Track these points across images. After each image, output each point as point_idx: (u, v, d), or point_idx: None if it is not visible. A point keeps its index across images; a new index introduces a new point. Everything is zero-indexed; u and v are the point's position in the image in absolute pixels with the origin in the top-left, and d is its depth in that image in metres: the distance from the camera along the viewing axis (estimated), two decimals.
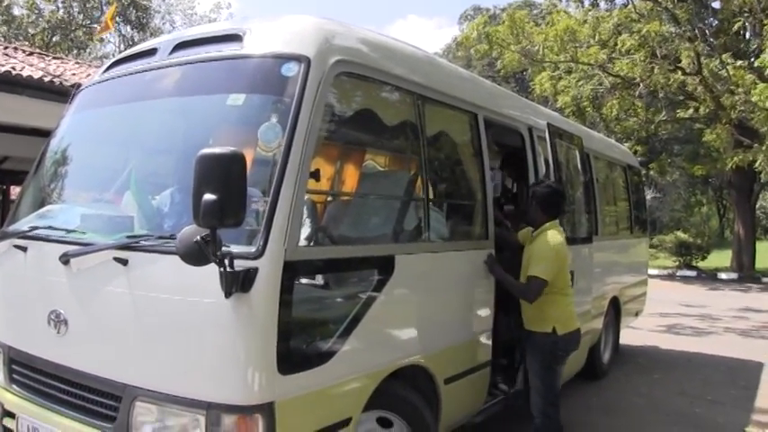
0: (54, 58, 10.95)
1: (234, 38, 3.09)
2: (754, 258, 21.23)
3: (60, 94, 7.83)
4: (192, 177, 2.31)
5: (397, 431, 3.30)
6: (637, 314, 8.04)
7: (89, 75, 9.82)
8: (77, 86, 4.11)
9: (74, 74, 9.36)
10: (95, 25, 24.44)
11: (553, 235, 4.00)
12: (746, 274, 19.60)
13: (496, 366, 4.30)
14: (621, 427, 4.92)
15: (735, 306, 12.96)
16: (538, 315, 3.99)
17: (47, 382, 3.07)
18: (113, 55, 26.23)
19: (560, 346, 4.01)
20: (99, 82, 3.70)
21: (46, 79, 8.13)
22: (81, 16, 24.96)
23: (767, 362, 7.98)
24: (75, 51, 24.49)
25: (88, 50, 26.09)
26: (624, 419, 4.69)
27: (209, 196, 2.24)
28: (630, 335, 7.55)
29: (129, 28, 26.28)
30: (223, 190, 2.25)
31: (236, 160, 2.30)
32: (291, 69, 2.84)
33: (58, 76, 8.55)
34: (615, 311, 6.97)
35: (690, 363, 7.30)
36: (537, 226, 4.09)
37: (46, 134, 3.92)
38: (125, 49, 25.16)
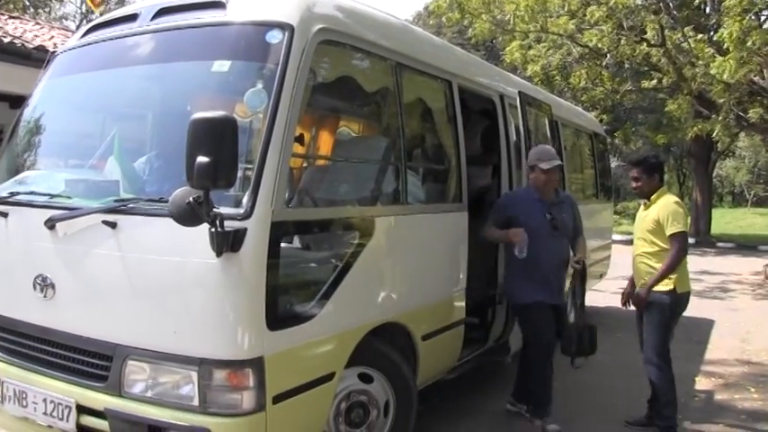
0: (11, 17, 10.52)
1: (217, 4, 3.11)
2: (710, 224, 21.96)
3: (22, 56, 7.62)
4: (185, 140, 2.38)
5: (377, 386, 3.45)
6: (601, 276, 8.31)
7: (52, 37, 9.56)
8: (52, 52, 4.07)
9: (36, 35, 9.09)
10: None
11: (672, 196, 4.35)
12: (703, 239, 20.26)
13: (470, 324, 4.48)
14: (589, 381, 5.20)
15: (691, 269, 13.30)
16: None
17: (34, 345, 3.09)
18: (74, 16, 25.41)
19: (680, 303, 4.23)
20: (77, 47, 3.68)
21: (5, 40, 7.79)
22: None
23: (718, 319, 8.48)
24: (31, 11, 23.55)
25: (48, 10, 25.16)
26: (591, 375, 4.96)
27: (202, 159, 2.31)
28: (595, 297, 7.84)
29: None
30: (215, 153, 2.33)
31: (228, 124, 2.38)
32: (275, 37, 2.90)
33: (19, 37, 8.28)
34: (581, 274, 7.19)
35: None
36: (653, 192, 4.31)
37: (7, 98, 3.86)
38: (86, 11, 24.43)
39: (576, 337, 4.49)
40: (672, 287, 4.15)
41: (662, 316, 4.19)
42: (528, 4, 12.40)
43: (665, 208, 4.18)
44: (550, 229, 4.30)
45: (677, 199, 4.35)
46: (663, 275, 4.12)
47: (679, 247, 4.10)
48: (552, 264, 4.34)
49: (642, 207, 4.42)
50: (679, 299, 4.22)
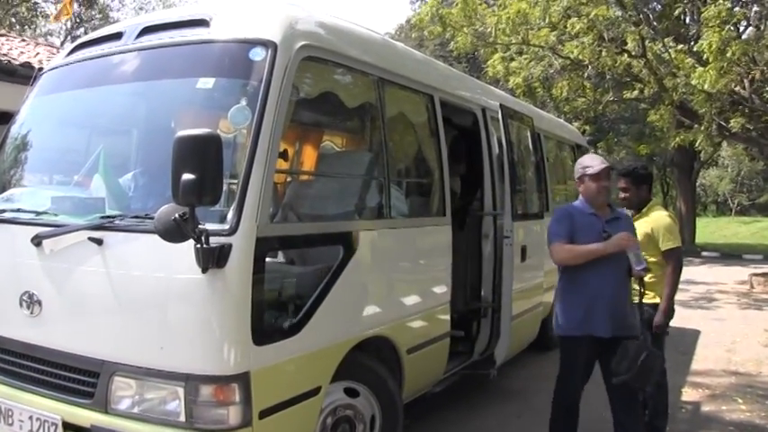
0: None
1: (201, 23, 3.17)
2: (695, 233, 22.17)
3: (7, 72, 7.62)
4: (169, 159, 2.41)
5: (363, 401, 3.47)
6: None
7: (38, 53, 9.56)
8: (39, 69, 4.10)
9: (22, 52, 9.10)
10: (40, 1, 23.58)
11: (664, 210, 4.35)
12: (687, 249, 20.45)
13: (455, 337, 4.51)
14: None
15: None
16: (654, 287, 4.08)
17: (20, 362, 3.09)
18: (59, 32, 25.35)
19: (670, 315, 4.16)
20: (63, 65, 3.71)
21: None
22: None
23: (703, 330, 8.53)
24: (18, 28, 23.52)
25: (34, 27, 25.08)
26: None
27: (187, 176, 2.35)
28: None
29: (76, 5, 25.39)
30: (200, 170, 2.37)
31: (212, 141, 2.42)
32: (259, 54, 2.95)
33: (5, 54, 8.30)
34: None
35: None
36: (642, 203, 4.29)
37: None
38: (72, 27, 24.43)
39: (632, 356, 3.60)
40: (658, 300, 4.15)
41: (650, 328, 4.13)
42: (509, 16, 12.53)
43: (657, 222, 4.16)
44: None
45: (670, 213, 4.35)
46: (670, 296, 4.08)
47: (676, 263, 4.10)
48: (605, 290, 3.63)
49: None
50: (672, 311, 4.20)
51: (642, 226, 4.16)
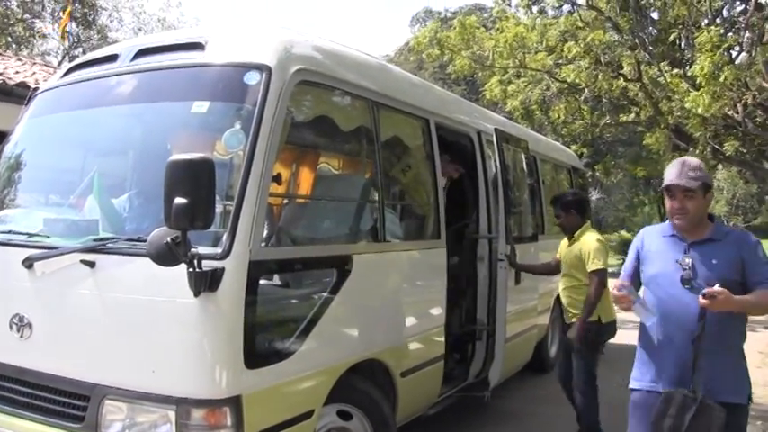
0: None
1: (196, 46, 3.19)
2: None
3: (3, 92, 7.63)
4: (163, 182, 2.42)
5: (356, 423, 3.45)
6: None
7: (34, 73, 9.60)
8: (33, 89, 4.11)
9: (17, 72, 9.14)
10: (36, 20, 23.70)
11: (595, 233, 4.60)
12: None
13: (450, 360, 4.49)
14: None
15: None
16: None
17: (8, 387, 3.05)
18: (56, 52, 25.48)
19: (604, 332, 4.45)
20: (58, 86, 3.73)
21: None
22: (20, 10, 24.14)
23: None
24: (14, 47, 23.65)
25: (31, 46, 25.23)
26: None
27: (179, 200, 2.35)
28: None
29: (74, 25, 25.58)
30: (193, 194, 2.37)
31: (205, 166, 2.43)
32: (253, 78, 2.96)
33: (1, 74, 8.33)
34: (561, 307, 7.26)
35: (631, 355, 7.59)
36: (575, 229, 4.58)
37: None
38: (69, 47, 24.57)
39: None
40: (596, 318, 4.40)
41: (588, 345, 4.41)
42: (506, 40, 12.67)
43: (587, 245, 4.44)
44: (678, 281, 2.73)
45: (599, 236, 4.62)
46: (589, 311, 4.34)
47: (598, 283, 4.32)
48: (675, 332, 2.73)
49: (565, 242, 4.68)
50: (603, 328, 4.48)
51: (575, 249, 4.51)
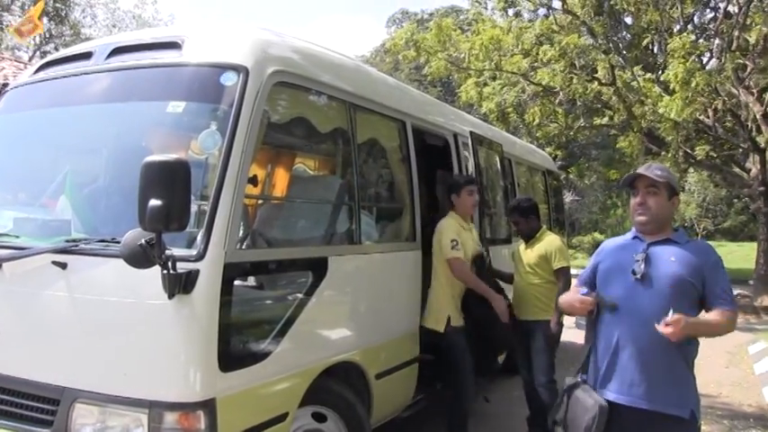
0: None
1: (172, 45, 3.15)
2: None
3: None
4: (138, 183, 2.38)
5: (331, 425, 3.43)
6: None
7: (3, 68, 9.40)
8: (3, 85, 4.04)
9: None
10: (4, 14, 23.22)
11: (554, 234, 4.86)
12: None
13: (425, 362, 4.50)
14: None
15: None
16: (547, 304, 4.52)
17: None
18: (27, 47, 24.96)
19: (561, 330, 4.60)
20: (30, 83, 3.65)
21: None
22: None
23: None
24: None
25: None
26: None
27: (154, 202, 2.32)
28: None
29: (46, 20, 25.09)
30: (168, 196, 2.34)
31: (180, 167, 2.40)
32: (230, 79, 2.94)
33: None
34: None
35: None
36: (535, 232, 4.72)
37: None
38: (41, 42, 24.11)
39: None
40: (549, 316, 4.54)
41: (548, 341, 4.55)
42: (482, 42, 12.76)
43: (550, 245, 4.62)
44: (631, 277, 2.62)
45: (559, 237, 4.93)
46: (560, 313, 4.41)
47: (566, 280, 4.48)
48: (630, 333, 2.61)
49: (523, 245, 4.78)
50: (562, 325, 4.61)
51: (537, 249, 4.64)
